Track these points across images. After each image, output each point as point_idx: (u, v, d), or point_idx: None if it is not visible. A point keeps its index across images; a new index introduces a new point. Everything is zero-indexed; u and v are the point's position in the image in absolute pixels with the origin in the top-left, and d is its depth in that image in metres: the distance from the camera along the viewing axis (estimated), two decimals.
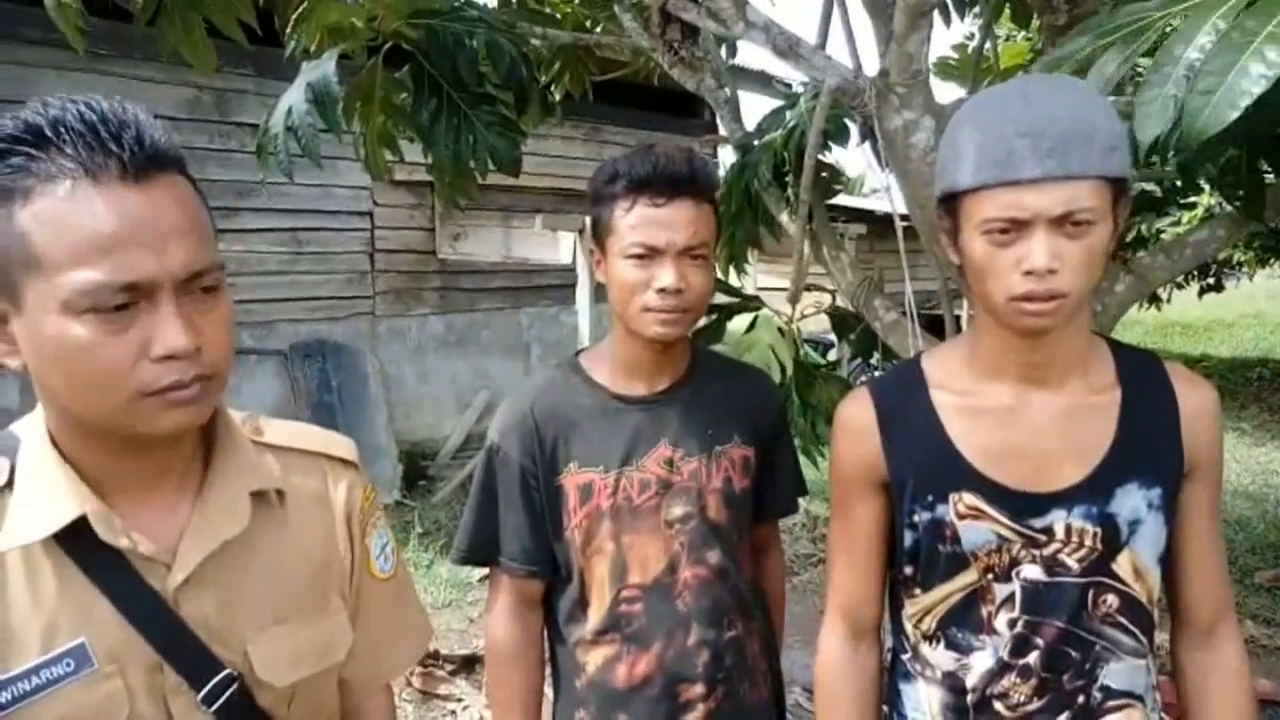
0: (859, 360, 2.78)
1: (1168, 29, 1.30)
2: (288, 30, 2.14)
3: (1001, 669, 1.16)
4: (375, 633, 1.04)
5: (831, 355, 6.98)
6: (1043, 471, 1.13)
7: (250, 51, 3.16)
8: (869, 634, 1.29)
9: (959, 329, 2.21)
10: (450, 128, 2.10)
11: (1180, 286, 9.48)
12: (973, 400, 1.18)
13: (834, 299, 2.58)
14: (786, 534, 5.25)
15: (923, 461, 1.18)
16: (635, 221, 1.33)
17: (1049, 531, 1.13)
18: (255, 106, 5.58)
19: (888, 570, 1.29)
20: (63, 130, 0.74)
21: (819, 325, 3.18)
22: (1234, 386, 9.59)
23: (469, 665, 3.68)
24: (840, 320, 2.56)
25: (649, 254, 1.33)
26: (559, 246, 5.80)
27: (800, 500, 1.66)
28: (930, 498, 1.17)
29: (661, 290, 1.32)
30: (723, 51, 2.59)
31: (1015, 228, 1.01)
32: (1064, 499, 1.13)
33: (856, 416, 1.24)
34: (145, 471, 0.86)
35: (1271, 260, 9.38)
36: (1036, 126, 0.99)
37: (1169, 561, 1.18)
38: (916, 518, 1.19)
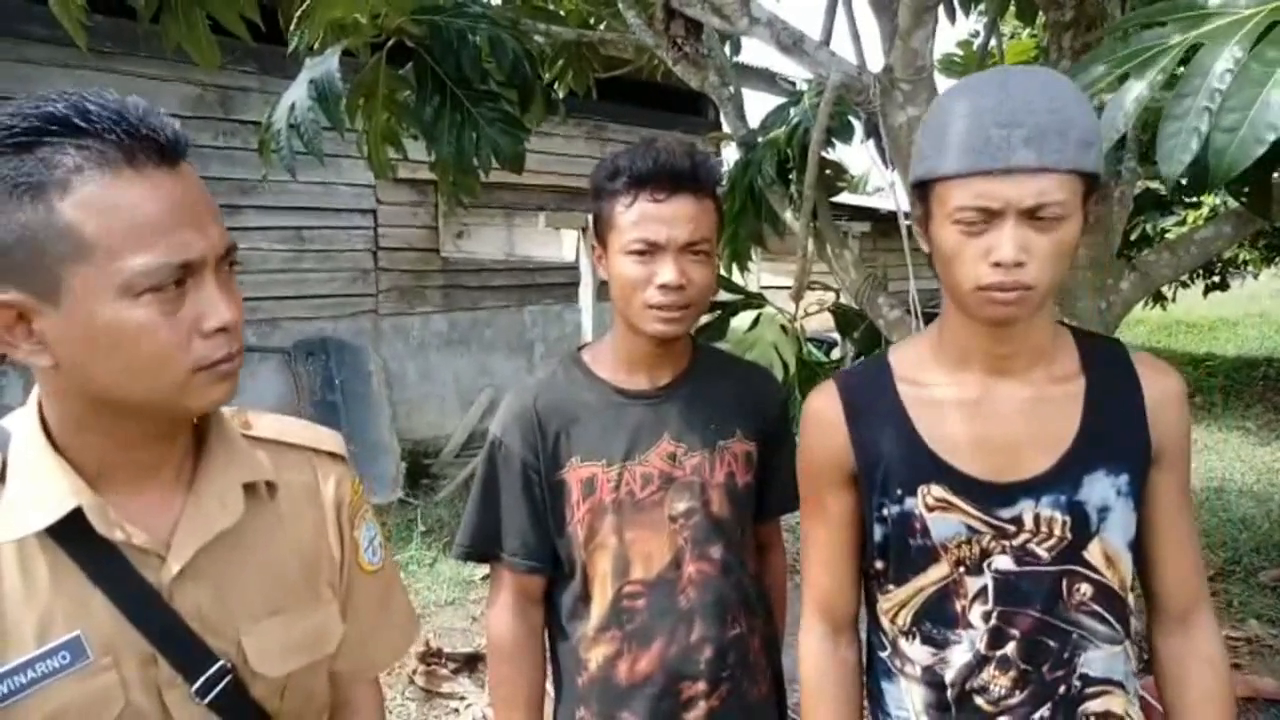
0: (863, 358, 2.78)
1: (1182, 57, 1.30)
2: (291, 27, 2.13)
3: (979, 662, 1.16)
4: (364, 624, 1.05)
5: (835, 353, 6.97)
6: (1009, 462, 1.13)
7: (254, 49, 3.16)
8: (847, 628, 1.29)
9: None
10: (453, 125, 2.10)
11: (1185, 285, 9.44)
12: (938, 392, 1.17)
13: (838, 297, 2.57)
14: (789, 532, 5.23)
15: (890, 454, 1.17)
16: (636, 217, 1.33)
17: (1018, 521, 1.13)
18: (259, 104, 5.58)
19: (862, 564, 1.28)
20: (94, 119, 0.75)
21: (823, 323, 3.18)
22: (1239, 385, 9.56)
23: (472, 663, 3.68)
24: (844, 318, 2.55)
25: (650, 250, 1.32)
26: (562, 244, 5.81)
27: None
28: (899, 491, 1.17)
29: (663, 286, 1.32)
30: (726, 48, 2.59)
31: (986, 217, 1.01)
32: (1031, 488, 1.12)
33: (824, 410, 1.23)
34: (143, 464, 0.87)
35: (1277, 259, 9.35)
36: (1014, 117, 0.99)
37: (1141, 550, 1.18)
38: (886, 511, 1.18)
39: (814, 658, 1.29)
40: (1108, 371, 1.16)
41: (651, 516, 1.39)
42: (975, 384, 1.16)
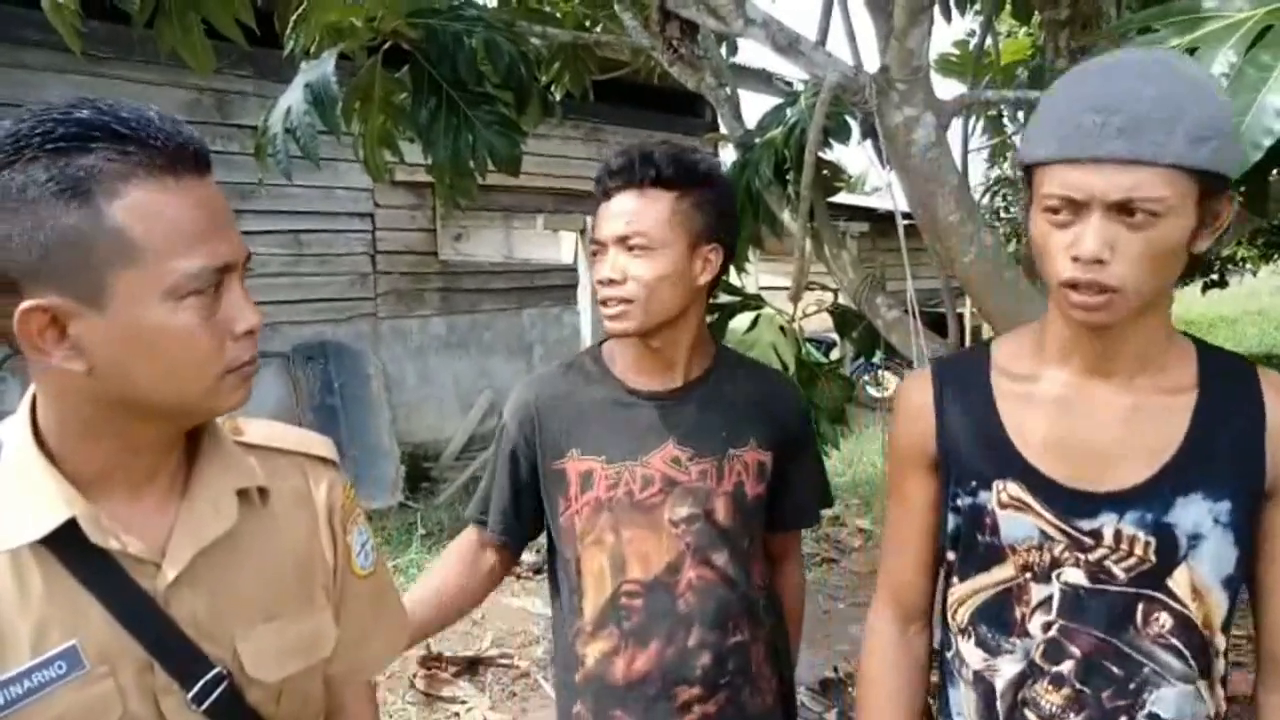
0: (861, 358, 2.78)
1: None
2: (287, 30, 2.13)
3: (1032, 672, 1.10)
4: (357, 629, 1.05)
5: (834, 354, 6.98)
6: (1097, 470, 1.06)
7: (250, 53, 3.17)
8: (918, 618, 1.25)
9: (961, 327, 2.20)
10: (450, 127, 2.10)
11: (1184, 283, 9.46)
12: (1032, 387, 1.11)
13: (836, 297, 2.57)
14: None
15: (970, 444, 1.13)
16: (594, 220, 1.39)
17: (1096, 535, 1.06)
18: (256, 108, 5.57)
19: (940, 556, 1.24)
20: (135, 127, 0.76)
21: (821, 324, 3.18)
22: None
23: (472, 667, 3.67)
24: (842, 318, 2.55)
25: (599, 249, 1.37)
26: (561, 247, 5.80)
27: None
28: (974, 483, 1.12)
29: (599, 282, 1.36)
30: (723, 49, 2.59)
31: (1071, 208, 0.94)
32: (1117, 501, 1.05)
33: (915, 395, 1.20)
34: (142, 470, 0.87)
35: (1275, 256, 9.36)
36: (1111, 103, 0.91)
37: (1250, 593, 1.09)
38: (959, 501, 1.14)
39: (878, 640, 1.25)
40: (1227, 389, 1.07)
41: (650, 518, 1.39)
42: (1072, 383, 1.08)
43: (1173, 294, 1.06)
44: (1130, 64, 0.95)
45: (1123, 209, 0.92)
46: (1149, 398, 1.06)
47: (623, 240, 1.33)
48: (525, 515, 1.50)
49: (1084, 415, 1.07)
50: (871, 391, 9.07)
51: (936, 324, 2.16)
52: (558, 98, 2.93)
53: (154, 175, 0.77)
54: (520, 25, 2.33)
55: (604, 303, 1.36)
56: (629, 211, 1.34)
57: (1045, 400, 1.10)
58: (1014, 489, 1.09)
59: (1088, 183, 0.92)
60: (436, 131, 2.10)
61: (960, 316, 2.23)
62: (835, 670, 3.59)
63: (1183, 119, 0.90)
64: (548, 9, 2.87)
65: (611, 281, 1.33)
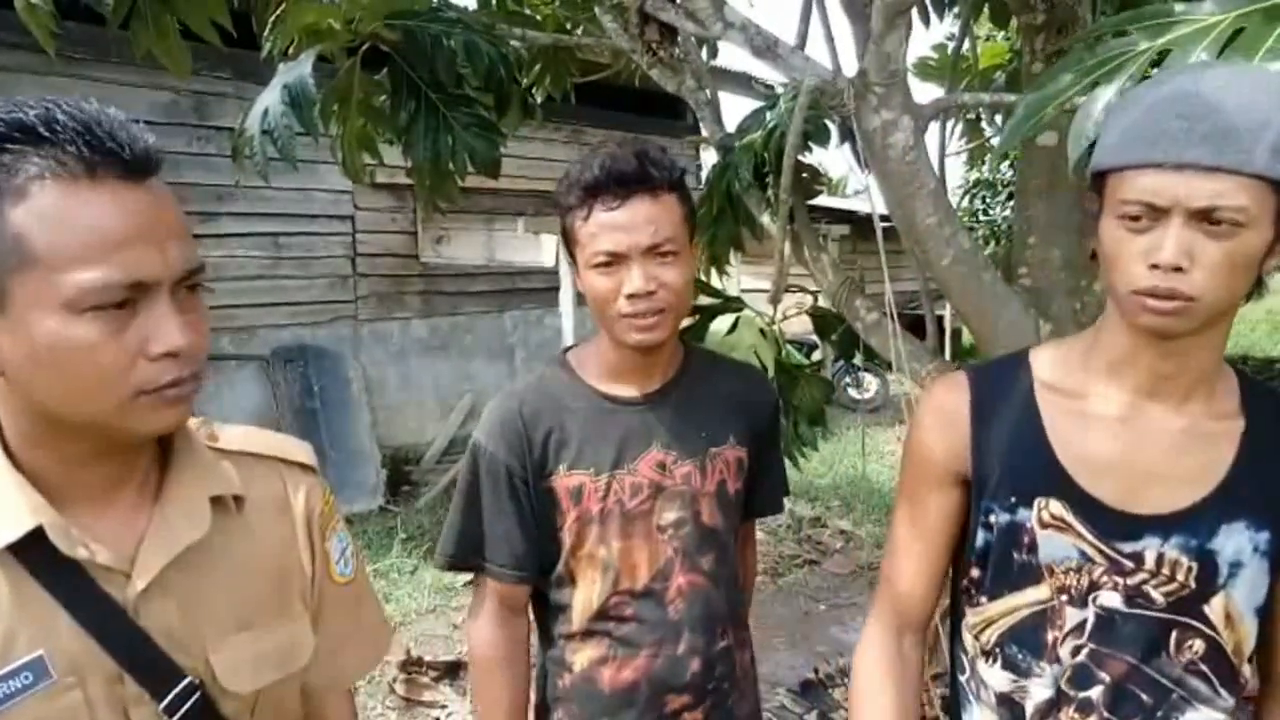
0: (842, 361, 2.79)
1: (1149, 66, 1.30)
2: (265, 32, 2.12)
3: (1059, 699, 1.09)
4: (336, 637, 1.03)
5: (815, 356, 7.00)
6: (1144, 492, 1.04)
7: (229, 54, 3.14)
8: (915, 630, 1.22)
9: (940, 329, 2.22)
10: (429, 129, 2.09)
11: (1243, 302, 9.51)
12: (1080, 404, 1.08)
13: (816, 300, 2.58)
14: (772, 535, 5.25)
15: (1012, 459, 1.09)
16: (594, 229, 1.28)
17: (1138, 558, 1.04)
18: (234, 110, 5.54)
19: (948, 572, 1.21)
20: (59, 129, 0.73)
21: (802, 326, 3.19)
22: None
23: (453, 671, 3.66)
24: (822, 321, 2.56)
25: (613, 260, 1.28)
26: (542, 249, 5.80)
27: (784, 501, 1.64)
28: (1013, 499, 1.09)
29: (631, 296, 1.27)
30: (703, 52, 2.59)
31: (1151, 215, 0.92)
32: (1162, 525, 1.03)
33: (950, 401, 1.15)
34: (106, 479, 0.85)
35: None
36: (1197, 110, 0.90)
37: (1265, 615, 1.08)
38: (993, 518, 1.11)
39: (874, 653, 1.21)
40: (1271, 419, 1.06)
41: (640, 527, 1.37)
42: (1123, 402, 1.06)
43: (1233, 316, 1.04)
44: (1217, 73, 0.94)
45: (1205, 217, 0.90)
46: (1199, 422, 1.05)
47: (652, 249, 1.27)
48: (533, 540, 1.39)
49: (1136, 436, 1.05)
50: (852, 393, 9.12)
51: (915, 326, 2.17)
52: (538, 100, 2.92)
53: (66, 180, 0.73)
54: (500, 28, 2.33)
55: (632, 315, 1.29)
56: (652, 218, 1.27)
57: (1096, 418, 1.07)
58: (1056, 507, 1.07)
59: (1171, 188, 0.90)
60: (416, 133, 2.09)
61: (939, 319, 2.24)
62: (815, 672, 3.59)
63: (1269, 129, 0.88)
64: (528, 11, 2.87)
65: (649, 293, 1.27)
